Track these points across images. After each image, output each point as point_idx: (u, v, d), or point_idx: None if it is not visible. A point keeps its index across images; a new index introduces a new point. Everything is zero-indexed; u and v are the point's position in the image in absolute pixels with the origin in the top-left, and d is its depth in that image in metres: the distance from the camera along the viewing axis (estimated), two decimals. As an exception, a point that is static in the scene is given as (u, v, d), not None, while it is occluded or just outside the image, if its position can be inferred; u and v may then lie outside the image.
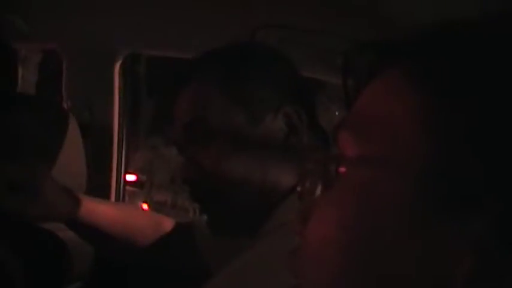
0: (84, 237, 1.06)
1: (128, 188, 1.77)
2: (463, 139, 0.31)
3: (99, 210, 1.01)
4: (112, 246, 1.06)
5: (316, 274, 0.36)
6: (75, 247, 1.14)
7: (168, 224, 1.10)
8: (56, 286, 1.19)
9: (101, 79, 1.47)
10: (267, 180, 0.80)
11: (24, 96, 1.16)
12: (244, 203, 0.81)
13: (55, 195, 0.95)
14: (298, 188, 0.78)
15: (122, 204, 1.45)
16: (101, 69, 1.46)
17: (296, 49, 1.09)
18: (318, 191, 0.40)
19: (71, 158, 1.16)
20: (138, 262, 1.11)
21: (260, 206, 0.80)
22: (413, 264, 0.31)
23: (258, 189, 0.80)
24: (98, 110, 1.48)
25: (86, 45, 1.43)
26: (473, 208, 0.30)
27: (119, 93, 1.47)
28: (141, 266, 1.13)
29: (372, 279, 0.33)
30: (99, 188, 1.46)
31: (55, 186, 0.96)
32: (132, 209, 1.15)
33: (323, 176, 0.39)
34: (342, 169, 0.36)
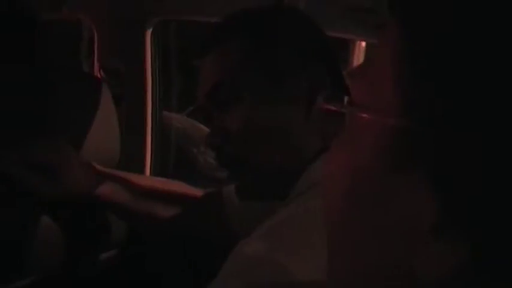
0: (110, 211, 1.08)
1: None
2: None
3: (122, 186, 1.02)
4: (137, 219, 1.07)
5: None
6: (110, 215, 1.15)
7: (195, 193, 1.10)
8: (93, 253, 1.20)
9: (132, 48, 1.47)
10: (293, 143, 0.80)
11: (56, 68, 1.16)
12: (272, 166, 0.80)
13: (76, 175, 0.97)
14: None
15: (149, 177, 1.46)
16: (132, 38, 1.46)
17: (322, 8, 1.07)
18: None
19: (105, 129, 1.16)
20: (166, 232, 1.12)
21: (288, 169, 0.79)
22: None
23: (284, 153, 0.80)
24: (129, 80, 1.48)
25: (116, 13, 1.43)
26: None
27: (151, 62, 1.47)
28: (170, 235, 1.14)
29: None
30: (132, 158, 1.47)
31: (77, 165, 0.98)
32: (159, 181, 1.15)
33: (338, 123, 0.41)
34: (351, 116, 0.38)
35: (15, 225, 0.99)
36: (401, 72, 0.33)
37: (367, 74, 0.36)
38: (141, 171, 1.49)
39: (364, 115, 0.35)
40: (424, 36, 0.32)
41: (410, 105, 0.32)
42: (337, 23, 1.08)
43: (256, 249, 0.67)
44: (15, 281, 1.01)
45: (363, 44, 2.37)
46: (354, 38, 1.27)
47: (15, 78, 1.04)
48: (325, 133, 0.79)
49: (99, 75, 1.48)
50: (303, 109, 0.79)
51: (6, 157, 0.94)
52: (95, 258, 1.22)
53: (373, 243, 0.34)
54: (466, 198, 0.30)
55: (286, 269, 0.61)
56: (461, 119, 0.30)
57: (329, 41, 0.86)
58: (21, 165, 0.94)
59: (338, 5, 1.11)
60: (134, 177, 1.09)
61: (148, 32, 1.45)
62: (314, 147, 0.79)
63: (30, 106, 1.04)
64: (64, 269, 1.08)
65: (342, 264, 0.37)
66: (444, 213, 0.31)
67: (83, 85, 1.17)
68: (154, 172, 1.53)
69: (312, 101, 0.79)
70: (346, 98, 0.80)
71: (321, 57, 0.82)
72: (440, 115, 0.30)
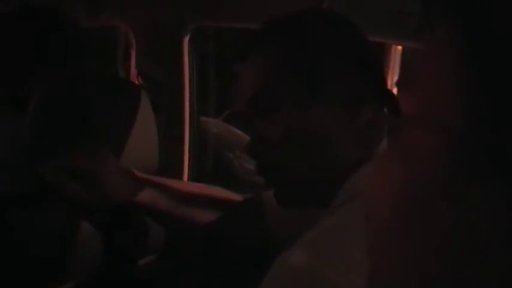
0: (149, 217, 1.09)
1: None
2: None
3: (161, 192, 1.03)
4: (176, 224, 1.07)
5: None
6: (149, 221, 1.16)
7: (233, 198, 1.10)
8: (132, 259, 1.21)
9: (169, 54, 1.48)
10: (333, 151, 0.78)
11: (95, 75, 1.18)
12: (312, 175, 0.79)
13: (115, 182, 0.98)
14: None
15: (187, 182, 1.47)
16: (169, 45, 1.47)
17: (365, 13, 1.06)
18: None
19: (144, 135, 1.17)
20: (205, 237, 1.12)
21: (329, 177, 0.78)
22: None
23: (325, 161, 0.79)
24: (167, 86, 1.49)
25: (154, 20, 1.44)
26: None
27: (189, 68, 1.47)
28: (208, 240, 1.14)
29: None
30: (171, 164, 1.48)
31: (117, 171, 0.99)
32: (197, 186, 1.15)
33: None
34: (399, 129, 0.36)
35: (57, 231, 1.01)
36: (464, 79, 0.31)
37: (419, 83, 0.34)
38: (179, 176, 1.50)
39: (420, 128, 0.33)
40: (491, 39, 0.30)
41: (475, 113, 0.30)
42: (377, 27, 1.07)
43: (300, 259, 0.66)
44: (57, 286, 1.02)
45: (399, 47, 2.35)
46: (392, 43, 1.25)
47: (55, 86, 1.06)
48: (367, 142, 0.78)
49: (137, 82, 1.49)
50: (344, 117, 0.78)
51: (47, 165, 0.96)
52: (134, 264, 1.22)
53: (427, 257, 0.33)
54: None
55: (330, 280, 0.60)
56: None
57: (372, 46, 0.85)
58: (62, 172, 0.95)
59: (378, 8, 1.10)
60: (173, 183, 1.09)
61: (186, 39, 1.46)
62: (355, 156, 0.78)
63: (70, 113, 1.05)
64: (104, 275, 1.09)
65: (387, 276, 0.37)
66: None
67: (122, 92, 1.18)
68: (192, 177, 1.54)
69: (353, 109, 0.78)
70: (390, 107, 0.79)
71: (362, 63, 0.80)
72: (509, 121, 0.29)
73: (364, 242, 0.38)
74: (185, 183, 1.43)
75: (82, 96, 1.07)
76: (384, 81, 0.83)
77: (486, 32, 0.30)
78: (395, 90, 0.80)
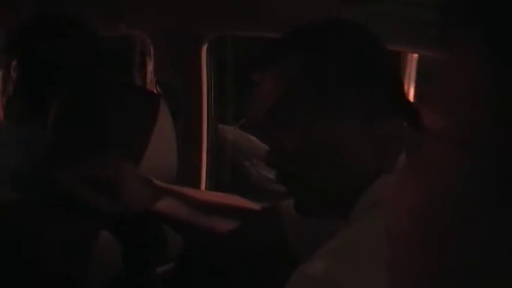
0: (168, 226, 1.09)
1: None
2: None
3: (180, 201, 1.03)
4: (195, 233, 1.07)
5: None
6: (167, 229, 1.16)
7: (252, 207, 1.10)
8: (150, 267, 1.22)
9: (188, 63, 1.48)
10: (352, 162, 0.78)
11: (113, 83, 1.18)
12: (330, 185, 0.79)
13: (134, 191, 0.98)
14: None
15: (205, 191, 1.47)
16: (188, 53, 1.47)
17: (383, 22, 1.05)
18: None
19: (163, 144, 1.17)
20: (223, 246, 1.12)
21: (347, 188, 0.78)
22: None
23: (343, 171, 0.78)
24: (185, 95, 1.50)
25: (173, 29, 1.45)
26: None
27: (207, 76, 1.48)
28: (227, 249, 1.14)
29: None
30: (188, 173, 1.48)
31: (135, 181, 0.99)
32: (215, 195, 1.15)
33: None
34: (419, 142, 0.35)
35: (76, 240, 1.01)
36: (489, 90, 0.30)
37: (440, 96, 0.34)
38: (197, 184, 1.50)
39: (441, 141, 0.32)
40: None
41: (499, 126, 0.29)
42: (396, 36, 1.06)
43: (319, 269, 0.66)
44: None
45: (415, 55, 2.33)
46: (412, 52, 1.24)
47: (74, 94, 1.07)
48: (385, 153, 0.78)
49: (155, 90, 1.50)
50: (362, 128, 0.77)
51: (65, 174, 0.96)
52: (153, 272, 1.23)
53: (447, 273, 0.32)
54: None
55: None
56: None
57: (391, 56, 0.84)
58: (80, 182, 0.96)
59: (397, 16, 1.09)
60: (192, 192, 1.09)
61: (204, 47, 1.46)
62: (374, 166, 0.78)
63: (89, 122, 1.05)
64: (122, 283, 1.09)
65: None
66: None
67: (141, 100, 1.18)
68: (210, 185, 1.54)
69: (371, 120, 0.77)
70: (410, 120, 0.78)
71: (381, 74, 0.80)
72: None
73: (384, 254, 0.38)
74: (204, 192, 1.43)
75: (101, 104, 1.08)
76: (403, 92, 0.83)
77: (509, 41, 0.29)
78: (413, 100, 0.79)
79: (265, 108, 0.82)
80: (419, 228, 0.34)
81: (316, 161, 0.79)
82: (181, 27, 1.45)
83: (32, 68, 1.10)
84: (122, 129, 1.09)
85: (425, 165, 0.34)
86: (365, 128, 0.77)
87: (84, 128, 1.04)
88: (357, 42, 0.81)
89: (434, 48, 1.00)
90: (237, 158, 2.98)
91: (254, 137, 3.05)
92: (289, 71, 0.80)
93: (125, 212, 0.99)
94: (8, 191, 0.99)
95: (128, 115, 1.12)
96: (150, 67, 1.53)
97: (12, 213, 0.98)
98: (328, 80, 0.78)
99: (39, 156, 1.02)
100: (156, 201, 1.01)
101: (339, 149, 0.78)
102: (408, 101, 0.83)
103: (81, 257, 1.01)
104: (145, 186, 1.01)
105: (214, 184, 1.57)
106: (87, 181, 0.96)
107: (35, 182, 1.00)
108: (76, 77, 1.10)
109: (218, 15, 1.40)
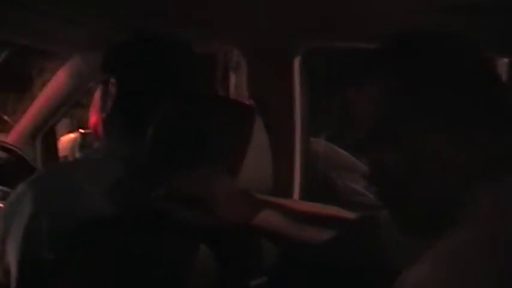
0: (265, 237, 1.09)
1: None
2: None
3: (278, 213, 1.02)
4: (291, 244, 1.07)
5: None
6: (263, 242, 1.16)
7: (349, 216, 1.08)
8: (246, 279, 1.22)
9: (280, 76, 1.49)
10: (454, 182, 0.75)
11: (209, 98, 1.20)
12: (432, 205, 0.77)
13: (233, 205, 0.98)
14: None
15: (302, 202, 1.46)
16: (280, 66, 1.48)
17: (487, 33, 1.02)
18: None
19: (259, 157, 1.18)
20: (320, 258, 1.11)
21: (453, 202, 0.75)
22: None
23: (444, 193, 0.76)
24: (278, 108, 1.50)
25: (265, 42, 1.45)
26: None
27: (300, 89, 1.48)
28: (323, 261, 1.13)
29: None
30: (281, 186, 1.48)
31: (234, 195, 0.99)
32: (312, 205, 1.15)
33: None
34: None
35: (173, 254, 1.03)
36: None
37: None
38: (290, 197, 1.50)
39: None
40: None
41: None
42: (502, 45, 1.02)
43: (420, 279, 0.64)
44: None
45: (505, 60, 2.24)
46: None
47: (172, 111, 1.08)
48: (486, 172, 0.74)
49: (248, 103, 1.51)
50: (464, 148, 0.75)
51: (161, 191, 0.98)
52: (247, 285, 1.23)
53: None
54: None
55: None
56: None
57: (495, 66, 0.81)
58: (176, 199, 0.97)
59: (503, 26, 1.05)
60: (289, 203, 1.09)
61: (297, 60, 1.47)
62: (475, 185, 0.74)
63: (187, 138, 1.07)
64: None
65: None
66: None
67: (236, 113, 1.20)
68: (302, 198, 1.54)
69: (474, 133, 0.75)
70: None
71: (482, 85, 0.77)
72: None
73: (488, 263, 0.37)
74: (300, 202, 1.42)
75: (198, 119, 1.09)
76: (508, 106, 0.79)
77: None
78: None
79: (364, 127, 0.80)
80: None
81: (420, 176, 0.77)
82: (273, 41, 1.45)
83: (130, 85, 1.12)
84: (218, 142, 1.11)
85: None
86: (469, 141, 0.75)
87: (182, 144, 1.06)
88: (457, 53, 0.78)
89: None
90: (324, 169, 2.96)
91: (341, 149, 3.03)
92: (388, 88, 0.78)
93: (222, 226, 1.00)
94: (105, 206, 1.01)
95: (224, 128, 1.13)
96: (232, 80, 1.55)
97: (107, 228, 1.01)
98: (431, 92, 0.76)
99: (138, 172, 1.05)
100: (255, 214, 1.01)
101: (442, 163, 0.75)
102: None
103: (179, 271, 1.03)
104: (243, 200, 1.01)
105: (307, 196, 1.56)
106: (183, 197, 0.97)
107: (133, 197, 1.03)
108: (173, 92, 1.12)
109: (312, 28, 1.40)
